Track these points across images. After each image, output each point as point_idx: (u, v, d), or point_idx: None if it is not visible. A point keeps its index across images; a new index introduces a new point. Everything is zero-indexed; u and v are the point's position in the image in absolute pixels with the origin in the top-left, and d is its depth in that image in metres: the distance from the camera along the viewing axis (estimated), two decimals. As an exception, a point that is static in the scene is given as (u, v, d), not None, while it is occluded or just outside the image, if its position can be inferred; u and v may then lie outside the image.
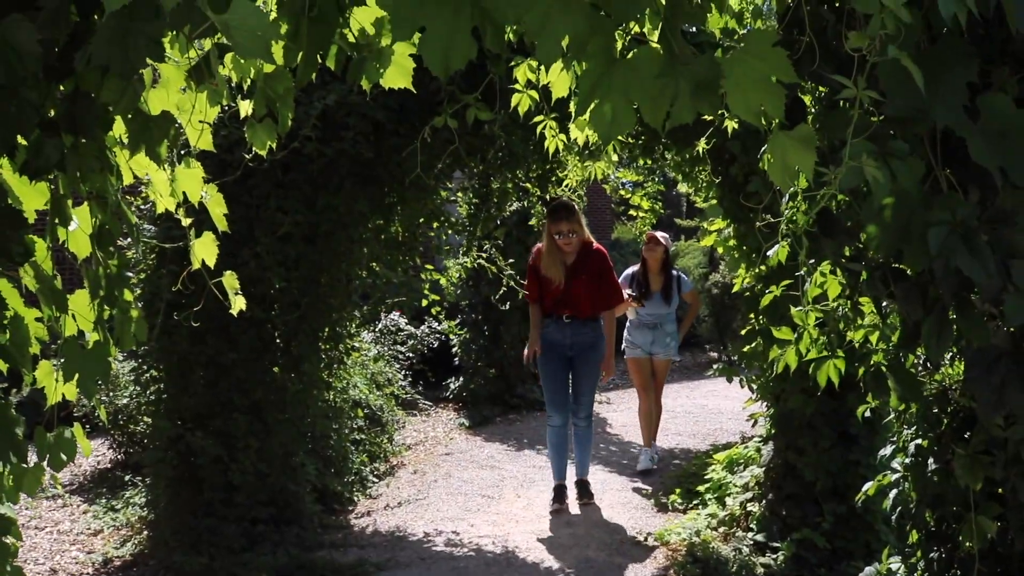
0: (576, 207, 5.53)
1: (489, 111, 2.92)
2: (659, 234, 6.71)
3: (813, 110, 2.13)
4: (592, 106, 1.40)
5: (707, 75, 1.36)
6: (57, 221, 2.36)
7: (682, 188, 6.42)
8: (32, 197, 2.30)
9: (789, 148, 1.40)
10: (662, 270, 6.63)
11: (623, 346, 6.75)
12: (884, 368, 2.12)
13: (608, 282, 5.51)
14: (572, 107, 2.03)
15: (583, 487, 5.68)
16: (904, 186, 1.53)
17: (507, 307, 8.06)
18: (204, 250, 2.70)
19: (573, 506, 5.57)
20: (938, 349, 1.74)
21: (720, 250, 5.34)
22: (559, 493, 5.51)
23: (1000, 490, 2.20)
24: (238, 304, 2.76)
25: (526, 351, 5.55)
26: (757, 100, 1.38)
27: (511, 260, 7.51)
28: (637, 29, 1.81)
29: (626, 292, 6.32)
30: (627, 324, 6.75)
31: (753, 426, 5.35)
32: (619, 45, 1.67)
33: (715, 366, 6.12)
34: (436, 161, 4.95)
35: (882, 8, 1.25)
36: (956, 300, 1.74)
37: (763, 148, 1.48)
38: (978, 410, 1.79)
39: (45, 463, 2.30)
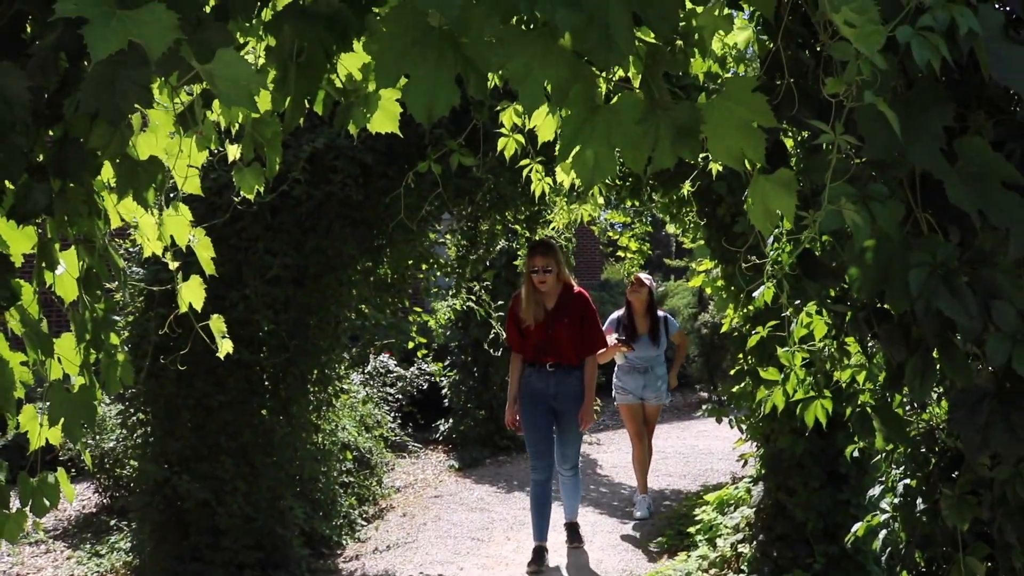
0: (555, 245, 5.35)
1: (473, 156, 2.94)
2: (643, 276, 6.60)
3: (796, 153, 2.16)
4: (575, 152, 1.42)
5: (687, 121, 1.39)
6: (44, 265, 2.37)
7: (670, 229, 6.46)
8: (19, 241, 2.30)
9: (770, 192, 1.42)
10: (647, 312, 6.49)
11: (613, 392, 6.63)
12: (869, 409, 2.12)
13: (590, 325, 5.25)
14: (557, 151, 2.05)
15: (573, 530, 5.56)
16: (884, 228, 1.55)
17: (498, 352, 8.06)
18: (191, 294, 2.70)
19: (563, 550, 5.51)
20: (922, 390, 1.75)
21: (708, 290, 5.36)
22: (538, 555, 5.23)
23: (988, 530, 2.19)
24: (225, 348, 2.76)
25: (507, 414, 5.31)
26: (737, 144, 1.40)
27: (500, 302, 7.53)
28: (621, 73, 1.84)
29: (612, 337, 6.21)
30: (615, 369, 6.61)
31: (743, 466, 5.34)
32: (603, 90, 1.69)
33: (704, 406, 6.09)
34: (424, 204, 4.99)
35: (858, 55, 1.28)
36: (939, 341, 1.75)
37: (748, 190, 1.50)
38: (964, 450, 1.79)
39: (28, 509, 2.27)
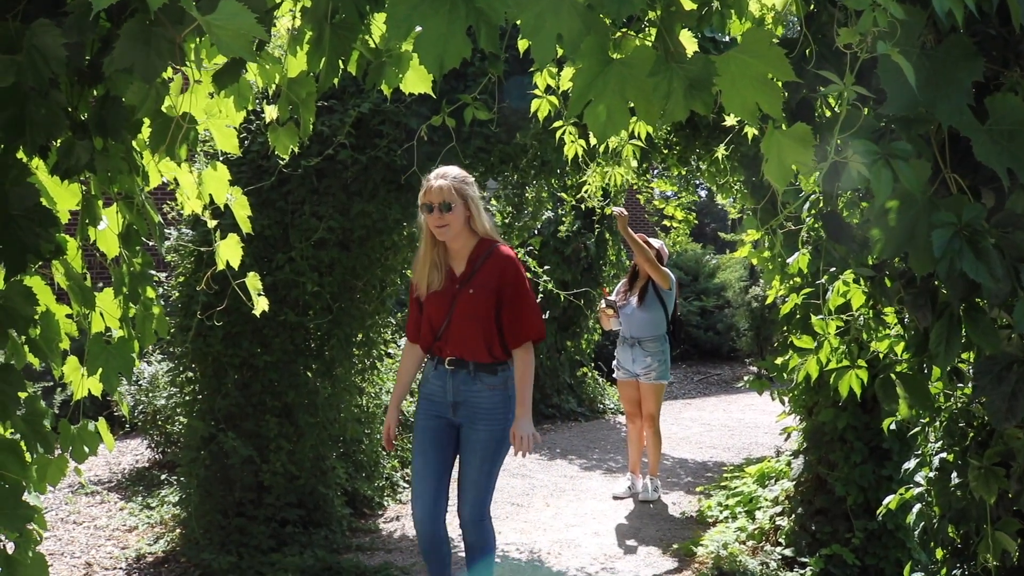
0: (463, 175, 3.45)
1: (488, 111, 2.93)
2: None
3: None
4: (587, 105, 1.41)
5: (700, 73, 1.37)
6: (88, 221, 2.44)
7: (719, 199, 6.37)
8: (65, 198, 2.37)
9: (785, 146, 1.40)
10: (647, 277, 5.86)
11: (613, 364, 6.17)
12: (893, 375, 2.08)
13: (516, 302, 3.38)
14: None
15: None
16: (908, 188, 1.51)
17: (545, 316, 8.08)
18: (228, 252, 2.76)
19: (593, 521, 5.53)
20: (946, 356, 1.71)
21: (754, 261, 5.28)
22: None
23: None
24: (261, 305, 2.81)
25: (384, 428, 3.61)
26: (752, 98, 1.38)
27: (546, 267, 7.52)
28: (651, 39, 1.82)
29: (604, 300, 5.88)
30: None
31: (786, 440, 5.28)
32: (638, 43, 1.66)
33: (746, 378, 6.01)
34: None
35: (875, 5, 1.24)
36: (966, 306, 1.71)
37: (762, 144, 1.47)
38: (990, 419, 1.75)
39: (68, 454, 2.36)
